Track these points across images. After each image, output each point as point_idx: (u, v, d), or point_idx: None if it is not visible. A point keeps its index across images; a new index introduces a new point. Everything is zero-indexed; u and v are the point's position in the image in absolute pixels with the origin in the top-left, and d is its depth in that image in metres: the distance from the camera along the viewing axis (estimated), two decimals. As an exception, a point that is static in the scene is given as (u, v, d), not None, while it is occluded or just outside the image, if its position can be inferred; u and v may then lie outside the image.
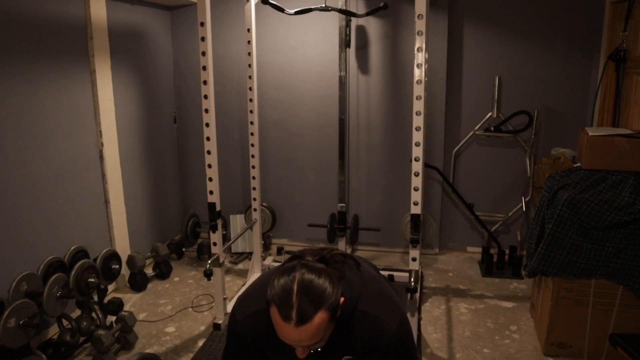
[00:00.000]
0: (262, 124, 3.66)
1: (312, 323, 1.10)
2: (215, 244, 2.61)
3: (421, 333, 2.68)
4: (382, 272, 1.61)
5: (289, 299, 1.10)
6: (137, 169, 3.45)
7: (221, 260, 2.61)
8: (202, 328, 2.79)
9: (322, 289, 1.13)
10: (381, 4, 2.85)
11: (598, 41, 3.24)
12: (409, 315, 2.47)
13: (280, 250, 3.72)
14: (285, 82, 3.71)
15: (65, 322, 2.47)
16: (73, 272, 2.38)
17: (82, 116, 2.86)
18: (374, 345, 1.28)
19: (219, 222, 2.60)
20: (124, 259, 3.10)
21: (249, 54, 3.06)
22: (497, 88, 3.42)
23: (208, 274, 2.56)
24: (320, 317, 1.11)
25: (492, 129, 3.47)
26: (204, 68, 2.40)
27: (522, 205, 3.53)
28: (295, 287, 1.11)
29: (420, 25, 2.22)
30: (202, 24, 2.36)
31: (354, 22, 3.46)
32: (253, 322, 1.32)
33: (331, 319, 1.15)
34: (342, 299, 1.19)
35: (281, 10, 2.95)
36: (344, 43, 3.26)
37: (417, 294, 2.78)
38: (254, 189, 3.28)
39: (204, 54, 2.38)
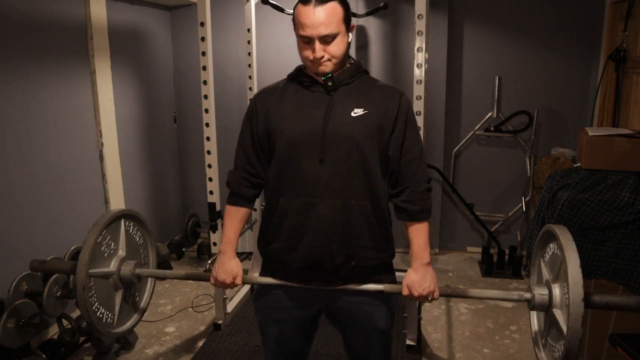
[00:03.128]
0: (262, 124, 3.66)
1: (329, 4, 1.33)
2: (215, 244, 2.61)
3: (421, 333, 2.67)
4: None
5: None
6: (137, 169, 3.45)
7: (221, 260, 2.61)
8: (202, 328, 2.79)
9: None
10: (381, 4, 2.85)
11: (598, 41, 3.24)
12: (408, 315, 2.48)
13: (280, 250, 3.72)
14: (285, 82, 3.70)
15: (65, 322, 2.47)
16: (73, 272, 2.38)
17: (82, 116, 2.86)
18: (390, 101, 1.44)
19: (219, 222, 2.60)
20: (124, 259, 3.09)
21: (249, 54, 3.06)
22: (497, 88, 3.42)
23: (208, 274, 2.56)
24: (335, 4, 1.34)
25: (492, 129, 3.47)
26: (204, 68, 2.40)
27: (522, 205, 3.54)
28: None
29: (420, 25, 2.22)
30: (202, 24, 2.36)
31: (354, 22, 3.45)
32: (263, 90, 1.58)
33: (344, 18, 1.37)
34: (352, 25, 1.46)
35: (281, 10, 2.95)
36: (344, 43, 3.25)
37: (417, 294, 2.78)
38: (254, 189, 3.27)
39: (204, 54, 2.39)
